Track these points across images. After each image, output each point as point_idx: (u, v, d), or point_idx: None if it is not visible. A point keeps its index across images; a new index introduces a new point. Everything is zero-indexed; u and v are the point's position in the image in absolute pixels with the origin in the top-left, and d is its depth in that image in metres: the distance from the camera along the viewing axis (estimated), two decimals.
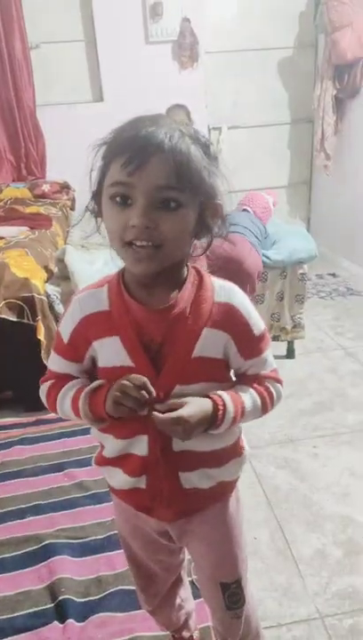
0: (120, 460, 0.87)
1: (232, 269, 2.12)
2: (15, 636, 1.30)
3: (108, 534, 1.58)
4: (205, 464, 0.87)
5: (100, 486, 1.78)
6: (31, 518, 1.66)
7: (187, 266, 0.81)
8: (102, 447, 0.91)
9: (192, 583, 1.28)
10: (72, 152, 4.09)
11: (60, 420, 2.18)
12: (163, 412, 0.77)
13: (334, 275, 3.81)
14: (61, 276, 2.37)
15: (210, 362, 0.81)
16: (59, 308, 2.27)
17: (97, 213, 0.80)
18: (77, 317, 0.82)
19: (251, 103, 4.17)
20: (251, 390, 0.84)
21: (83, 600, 1.38)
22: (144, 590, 1.08)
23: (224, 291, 0.81)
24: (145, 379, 0.76)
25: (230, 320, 0.80)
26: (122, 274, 0.82)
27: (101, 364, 0.83)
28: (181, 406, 0.77)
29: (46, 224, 3.04)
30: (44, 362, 2.15)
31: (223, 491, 0.92)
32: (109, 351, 0.81)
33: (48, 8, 3.72)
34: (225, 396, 0.80)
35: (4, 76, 3.68)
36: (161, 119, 0.73)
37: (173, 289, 0.79)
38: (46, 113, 3.85)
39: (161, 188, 0.69)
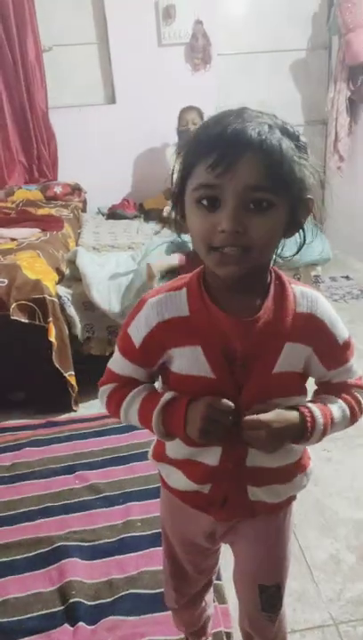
0: (184, 464, 0.84)
1: None
2: (26, 638, 1.29)
3: (120, 537, 1.57)
4: (275, 480, 0.84)
5: (111, 489, 1.77)
6: (42, 520, 1.66)
7: (270, 271, 0.77)
8: (162, 443, 0.86)
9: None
10: (84, 154, 4.16)
11: (71, 422, 2.18)
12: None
13: (347, 277, 3.77)
14: (73, 277, 2.37)
15: (289, 376, 0.77)
16: (70, 309, 2.27)
17: (177, 218, 0.75)
18: (153, 322, 0.77)
19: (264, 105, 4.15)
20: (339, 401, 0.80)
21: (93, 603, 1.37)
22: (176, 589, 1.06)
23: (306, 300, 0.76)
24: (232, 404, 0.73)
25: (313, 332, 0.76)
26: (202, 276, 0.77)
27: (176, 370, 0.78)
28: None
29: (58, 226, 3.05)
30: (55, 364, 2.15)
31: (288, 502, 0.91)
32: (189, 360, 0.76)
33: (61, 10, 3.75)
34: (313, 407, 0.77)
35: (17, 78, 3.71)
36: (247, 113, 0.67)
37: (256, 296, 0.75)
38: (58, 115, 3.87)
39: (252, 188, 0.64)
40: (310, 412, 0.76)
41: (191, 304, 0.76)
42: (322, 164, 4.34)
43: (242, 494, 0.83)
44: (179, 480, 0.85)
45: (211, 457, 0.80)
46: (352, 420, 0.82)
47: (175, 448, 0.83)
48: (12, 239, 2.72)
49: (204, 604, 1.13)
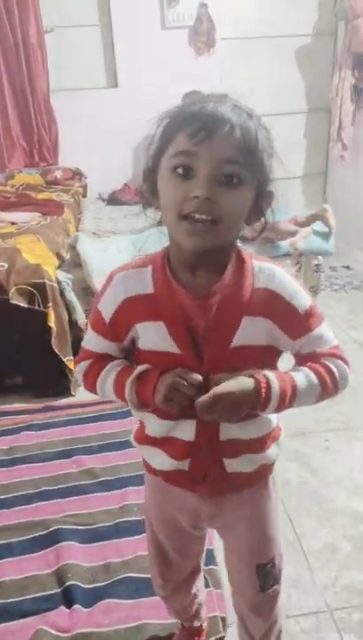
0: (163, 442, 0.86)
1: None
2: (22, 620, 1.30)
3: (116, 521, 1.57)
4: (250, 450, 0.86)
5: (108, 473, 1.77)
6: (39, 504, 1.66)
7: (233, 249, 0.79)
8: (143, 425, 0.89)
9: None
10: (85, 139, 4.11)
11: (69, 406, 2.18)
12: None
13: (348, 267, 3.76)
14: (73, 263, 2.36)
15: (253, 350, 0.79)
16: (70, 295, 2.26)
17: (148, 193, 0.78)
18: (120, 298, 0.80)
19: (267, 91, 4.10)
20: (304, 368, 0.81)
21: (90, 586, 1.38)
22: (162, 576, 1.07)
23: (263, 275, 0.78)
24: (200, 378, 0.75)
25: (270, 305, 0.77)
26: (167, 255, 0.79)
27: (143, 346, 0.81)
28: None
29: (58, 211, 3.02)
30: (55, 349, 2.15)
31: (264, 472, 0.92)
32: (153, 336, 0.79)
33: None
34: (269, 373, 0.77)
35: (19, 61, 3.65)
36: (227, 98, 0.72)
37: (216, 272, 0.77)
38: (60, 98, 3.82)
39: (226, 161, 0.68)
40: (265, 377, 0.77)
41: (156, 281, 0.79)
42: (324, 152, 4.32)
43: (219, 467, 0.85)
44: (161, 460, 0.88)
45: (186, 432, 0.83)
46: (324, 388, 0.81)
47: (154, 426, 0.86)
48: (12, 223, 2.70)
49: (194, 590, 1.13)
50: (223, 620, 1.29)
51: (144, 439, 0.89)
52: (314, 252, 2.48)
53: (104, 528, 1.56)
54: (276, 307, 0.78)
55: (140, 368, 0.80)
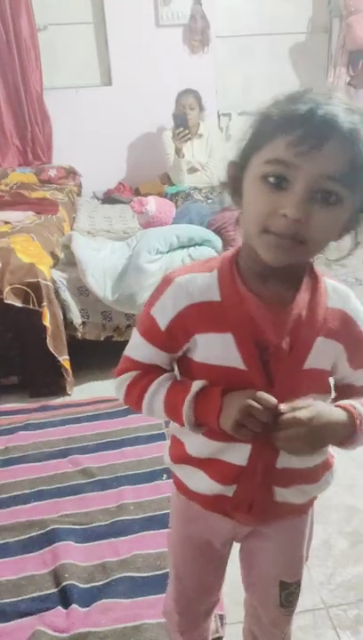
0: (208, 464, 0.77)
1: None
2: (19, 620, 1.30)
3: (113, 520, 1.57)
4: (303, 481, 0.79)
5: (104, 473, 1.77)
6: (35, 504, 1.66)
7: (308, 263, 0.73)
8: (180, 443, 0.80)
9: None
10: (79, 137, 4.10)
11: (65, 406, 2.18)
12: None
13: (342, 265, 3.77)
14: (68, 262, 2.35)
15: (319, 373, 0.73)
16: (65, 294, 2.25)
17: (231, 191, 0.69)
18: (182, 304, 0.71)
19: (262, 89, 4.10)
20: None
21: (87, 586, 1.38)
22: (182, 613, 0.98)
23: (338, 295, 0.73)
24: (275, 400, 0.67)
25: (345, 329, 0.72)
26: (235, 259, 0.72)
27: (201, 359, 0.72)
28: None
29: (52, 209, 3.01)
30: (50, 348, 2.14)
31: (311, 503, 0.87)
32: (217, 348, 0.70)
33: None
34: (357, 404, 0.71)
35: (11, 59, 3.63)
36: (335, 97, 0.62)
37: (290, 286, 0.71)
38: (53, 96, 3.81)
39: (328, 177, 0.60)
40: (355, 407, 0.70)
41: (223, 288, 0.71)
42: None
43: (268, 496, 0.78)
44: (201, 482, 0.79)
45: (239, 456, 0.74)
46: None
47: (199, 445, 0.77)
48: (6, 222, 2.69)
49: (210, 621, 1.07)
50: (221, 617, 1.29)
51: (184, 458, 0.80)
52: None
53: (101, 527, 1.56)
54: (349, 331, 0.73)
55: (198, 384, 0.71)
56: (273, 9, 3.89)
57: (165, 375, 0.77)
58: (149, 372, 0.77)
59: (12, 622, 1.29)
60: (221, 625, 1.28)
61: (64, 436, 1.98)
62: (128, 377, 0.79)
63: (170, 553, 0.96)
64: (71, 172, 3.83)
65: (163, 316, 0.73)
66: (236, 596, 1.10)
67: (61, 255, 2.43)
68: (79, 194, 3.86)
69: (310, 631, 1.27)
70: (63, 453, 1.89)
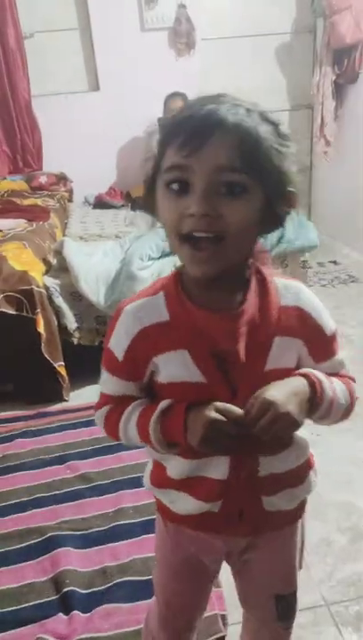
0: (190, 484, 0.77)
1: None
2: (20, 629, 1.30)
3: (112, 525, 1.57)
4: (289, 484, 0.79)
5: (102, 478, 1.77)
6: (34, 511, 1.66)
7: (250, 264, 0.73)
8: (160, 467, 0.80)
9: None
10: (69, 143, 4.10)
11: (62, 412, 2.18)
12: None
13: (335, 262, 3.78)
14: (60, 268, 2.35)
15: (283, 372, 0.72)
16: (58, 300, 2.26)
17: (150, 210, 0.70)
18: (134, 331, 0.72)
19: (249, 90, 4.08)
20: (334, 378, 0.75)
21: (88, 591, 1.38)
22: (171, 634, 0.96)
23: (290, 292, 0.73)
24: (240, 411, 0.67)
25: (301, 324, 0.72)
26: (179, 276, 0.73)
27: (165, 379, 0.73)
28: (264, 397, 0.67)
29: (44, 216, 3.02)
30: (45, 354, 2.14)
31: (302, 508, 0.86)
32: (176, 366, 0.71)
33: None
34: (313, 370, 0.72)
35: None
36: (224, 97, 0.64)
37: (237, 291, 0.71)
38: (42, 103, 3.81)
39: (223, 169, 0.60)
40: (312, 373, 0.71)
41: (170, 307, 0.71)
42: (308, 149, 4.34)
43: (257, 506, 0.77)
44: (186, 503, 0.78)
45: (218, 470, 0.74)
46: (351, 403, 0.77)
47: (177, 466, 0.77)
48: None
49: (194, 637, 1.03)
50: (223, 617, 1.29)
51: (165, 482, 0.79)
52: (299, 249, 2.49)
53: (99, 532, 1.56)
54: (305, 325, 0.73)
55: (163, 404, 0.71)
56: (257, 10, 3.90)
57: (137, 402, 0.77)
58: (121, 403, 0.78)
59: (14, 631, 1.29)
60: (224, 625, 1.28)
61: (61, 442, 1.98)
62: (104, 411, 0.80)
63: (157, 580, 0.94)
64: (62, 179, 3.84)
65: (119, 347, 0.74)
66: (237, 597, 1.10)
67: (54, 261, 2.43)
68: (71, 199, 3.86)
69: (311, 629, 1.28)
70: (61, 459, 1.89)
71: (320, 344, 0.75)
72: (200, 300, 0.70)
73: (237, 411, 0.67)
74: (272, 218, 0.67)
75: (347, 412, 0.77)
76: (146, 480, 0.85)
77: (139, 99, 3.80)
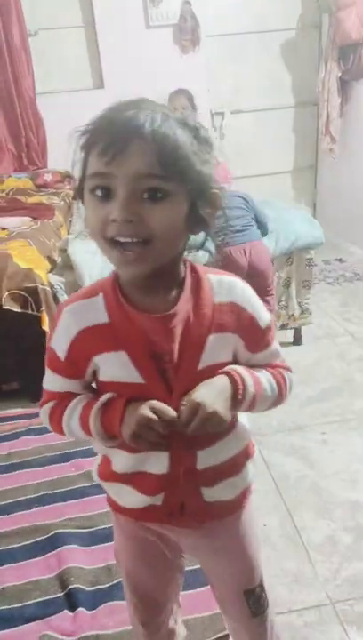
0: (133, 478, 0.80)
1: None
2: (25, 625, 1.30)
3: None
4: (227, 475, 0.82)
5: None
6: (39, 508, 1.66)
7: (184, 263, 0.75)
8: (107, 460, 0.83)
9: None
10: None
11: None
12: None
13: (340, 260, 3.77)
14: (65, 266, 2.36)
15: (218, 368, 0.75)
16: (63, 298, 2.26)
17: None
18: (73, 331, 0.74)
19: (254, 87, 4.10)
20: (263, 370, 0.79)
21: (93, 589, 1.38)
22: (146, 624, 0.99)
23: (224, 288, 0.75)
24: (174, 413, 0.70)
25: (235, 318, 0.74)
26: (116, 278, 0.74)
27: (105, 378, 0.76)
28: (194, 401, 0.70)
29: (49, 214, 3.01)
30: None
31: (244, 498, 0.88)
32: (115, 367, 0.73)
33: None
34: (236, 367, 0.75)
35: (3, 64, 3.64)
36: (143, 102, 0.66)
37: (172, 291, 0.73)
38: (46, 101, 3.81)
39: (143, 176, 0.62)
40: (235, 370, 0.74)
41: (110, 309, 0.73)
42: (313, 146, 4.32)
43: (197, 498, 0.81)
44: (131, 497, 0.82)
45: (159, 465, 0.78)
46: (279, 393, 0.80)
47: (121, 460, 0.80)
48: (3, 228, 2.69)
49: (172, 624, 1.05)
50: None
51: (110, 476, 0.83)
52: (305, 247, 2.47)
53: (104, 530, 1.55)
54: (239, 319, 0.75)
55: (104, 397, 0.74)
56: (262, 7, 3.88)
57: (80, 397, 0.79)
58: (64, 400, 0.79)
59: (19, 627, 1.30)
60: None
61: (66, 439, 1.98)
62: (48, 408, 0.82)
63: (121, 568, 0.98)
64: (67, 176, 3.83)
65: (60, 346, 0.76)
66: None
67: (59, 259, 2.43)
68: (75, 197, 3.86)
69: (317, 627, 1.27)
70: (66, 457, 1.89)
71: (255, 337, 0.78)
72: (137, 301, 0.72)
73: (171, 413, 0.70)
74: (198, 219, 0.69)
75: (277, 401, 0.81)
76: (94, 473, 0.88)
77: (143, 96, 3.77)
